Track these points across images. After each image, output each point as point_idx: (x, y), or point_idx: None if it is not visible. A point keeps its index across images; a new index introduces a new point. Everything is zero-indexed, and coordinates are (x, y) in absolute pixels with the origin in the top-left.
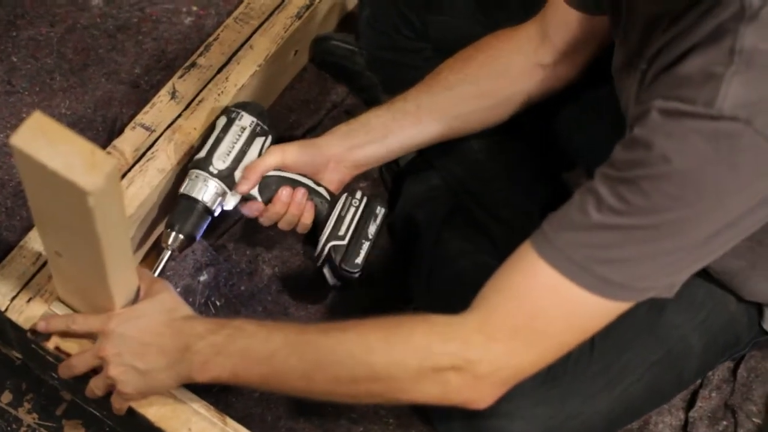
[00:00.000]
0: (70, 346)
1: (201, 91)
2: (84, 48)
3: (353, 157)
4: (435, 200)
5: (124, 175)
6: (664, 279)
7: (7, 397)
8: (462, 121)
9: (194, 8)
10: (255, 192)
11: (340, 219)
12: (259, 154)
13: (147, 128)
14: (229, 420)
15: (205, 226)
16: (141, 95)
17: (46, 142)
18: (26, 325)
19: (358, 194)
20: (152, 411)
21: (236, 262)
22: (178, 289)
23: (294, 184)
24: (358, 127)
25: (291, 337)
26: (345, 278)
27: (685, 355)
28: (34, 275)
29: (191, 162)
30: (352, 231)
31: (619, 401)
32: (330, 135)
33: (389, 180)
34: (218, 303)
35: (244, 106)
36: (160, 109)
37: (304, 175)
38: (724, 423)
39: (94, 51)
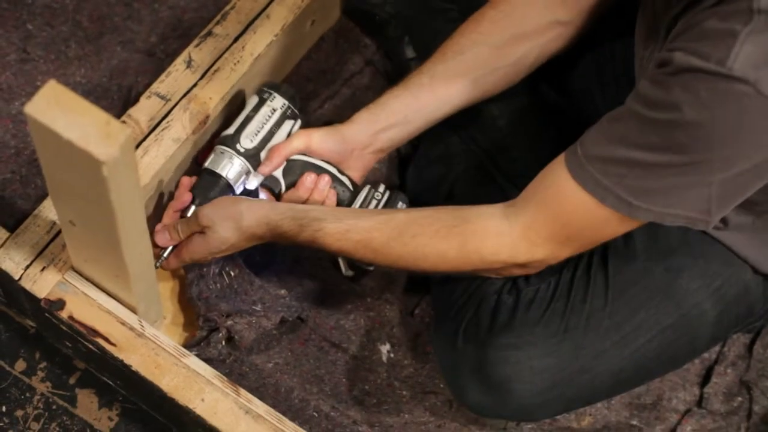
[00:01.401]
0: (84, 315)
1: (217, 60)
2: (100, 16)
3: (378, 142)
4: (451, 157)
5: (139, 145)
6: (688, 211)
7: (21, 365)
8: (478, 85)
9: None
10: (278, 174)
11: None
12: (287, 138)
13: (162, 97)
14: (242, 391)
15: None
16: (157, 64)
17: (61, 112)
18: (40, 294)
19: (381, 187)
20: (165, 381)
21: None
22: None
23: (318, 170)
24: (378, 111)
25: (365, 241)
26: (360, 270)
27: (699, 321)
28: (48, 244)
29: (218, 138)
30: None
31: (630, 360)
32: (353, 123)
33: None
34: (232, 273)
35: (276, 88)
36: (175, 78)
37: (329, 162)
38: (739, 399)
39: (109, 19)
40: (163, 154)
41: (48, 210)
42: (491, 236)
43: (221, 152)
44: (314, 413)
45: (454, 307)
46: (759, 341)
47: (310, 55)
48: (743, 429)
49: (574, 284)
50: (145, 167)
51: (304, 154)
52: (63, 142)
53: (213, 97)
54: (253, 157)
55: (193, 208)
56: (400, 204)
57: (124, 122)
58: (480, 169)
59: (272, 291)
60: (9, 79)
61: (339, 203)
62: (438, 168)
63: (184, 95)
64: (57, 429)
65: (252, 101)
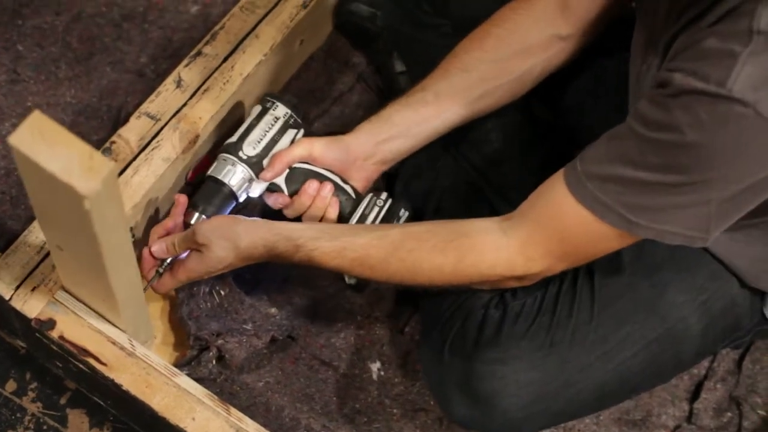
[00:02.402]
0: (74, 335)
1: (207, 80)
2: (89, 37)
3: (380, 153)
4: (437, 168)
5: (128, 164)
6: (687, 229)
7: (11, 386)
8: (482, 101)
9: None
10: (281, 181)
11: (363, 218)
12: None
13: (152, 117)
14: (232, 410)
15: (228, 210)
16: (146, 84)
17: (45, 143)
18: (31, 314)
19: (383, 195)
20: (156, 400)
21: None
22: None
23: (321, 178)
24: (381, 124)
25: (361, 259)
26: (364, 284)
27: (684, 334)
28: (38, 264)
29: (222, 146)
30: None
31: (615, 374)
32: (355, 132)
33: None
34: (222, 292)
35: (279, 98)
36: (165, 98)
37: (332, 171)
38: (729, 415)
39: (99, 40)
40: (153, 174)
41: (38, 231)
42: (488, 251)
43: (224, 159)
44: None
45: (440, 321)
46: (748, 356)
47: (299, 74)
48: None
49: (560, 298)
50: (135, 187)
51: (307, 163)
52: (46, 175)
53: (203, 116)
54: (255, 165)
55: (196, 215)
56: (402, 211)
57: (114, 142)
58: (468, 183)
59: (262, 310)
60: (0, 101)
61: (341, 211)
62: (425, 181)
63: (174, 115)
64: None
65: (255, 110)
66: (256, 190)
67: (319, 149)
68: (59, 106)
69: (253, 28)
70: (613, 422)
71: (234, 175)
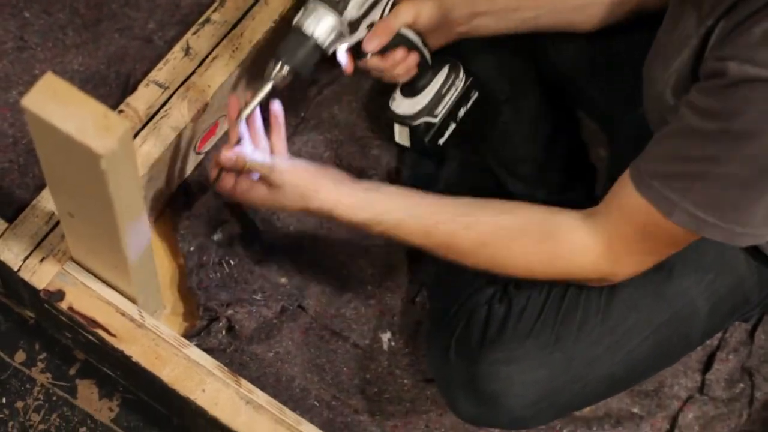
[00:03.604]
0: (83, 306)
1: (215, 47)
2: (97, 3)
3: (473, 25)
4: (444, 152)
5: (137, 133)
6: (756, 228)
7: (20, 356)
8: (576, 12)
9: None
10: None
11: (439, 96)
12: (382, 13)
13: (160, 85)
14: (243, 381)
15: (313, 63)
16: (155, 51)
17: (58, 104)
18: (40, 285)
19: (462, 74)
20: (166, 372)
21: (251, 220)
22: (192, 248)
23: (410, 46)
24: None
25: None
26: (423, 151)
27: (692, 317)
28: (47, 235)
29: None
30: (446, 111)
31: (623, 364)
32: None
33: None
34: (232, 262)
35: None
36: (173, 65)
37: (419, 36)
38: (741, 385)
39: (107, 6)
40: (161, 142)
41: (46, 200)
42: (577, 254)
43: (318, 7)
44: (315, 403)
45: (446, 317)
46: (761, 327)
47: None
48: (745, 415)
49: (569, 290)
50: (144, 156)
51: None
52: (60, 136)
53: (212, 84)
54: (353, 24)
55: (280, 64)
56: (473, 93)
57: (122, 111)
58: (473, 164)
59: (272, 279)
60: (6, 68)
61: (415, 80)
62: (431, 163)
63: (183, 83)
64: (57, 420)
65: None
66: (344, 46)
67: (424, 19)
68: (67, 74)
69: None
70: (626, 393)
71: (326, 27)
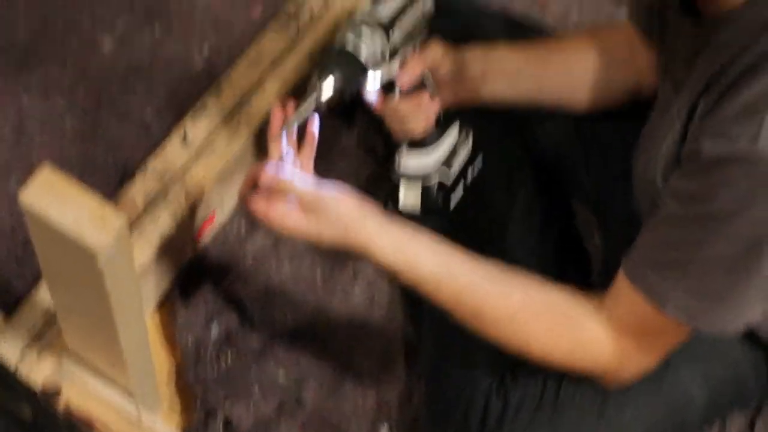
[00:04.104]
0: (80, 404)
1: (212, 134)
2: (95, 90)
3: (481, 85)
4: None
5: (134, 222)
6: (752, 310)
7: None
8: (578, 89)
9: (206, 49)
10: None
11: (454, 152)
12: (413, 48)
13: (158, 173)
14: None
15: (356, 87)
16: (152, 138)
17: (55, 198)
18: (37, 381)
19: (471, 133)
20: None
21: (248, 311)
22: (189, 341)
23: (433, 92)
24: (494, 59)
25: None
26: (436, 213)
27: (688, 406)
28: (43, 328)
29: (361, 17)
30: (459, 170)
31: None
32: (472, 53)
33: None
34: (230, 355)
35: None
36: (170, 153)
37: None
38: None
39: (105, 93)
40: (159, 232)
41: (44, 293)
42: (595, 344)
43: (369, 31)
44: None
45: (442, 409)
46: (760, 420)
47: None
48: None
49: (563, 383)
50: (141, 245)
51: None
52: (57, 231)
53: (209, 172)
54: (393, 53)
55: (329, 78)
56: (479, 157)
57: (119, 199)
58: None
59: (270, 373)
60: (4, 155)
61: (427, 131)
62: None
63: (180, 170)
64: None
65: None
66: (379, 76)
67: (448, 62)
68: (64, 161)
69: (259, 81)
70: None
71: (374, 48)
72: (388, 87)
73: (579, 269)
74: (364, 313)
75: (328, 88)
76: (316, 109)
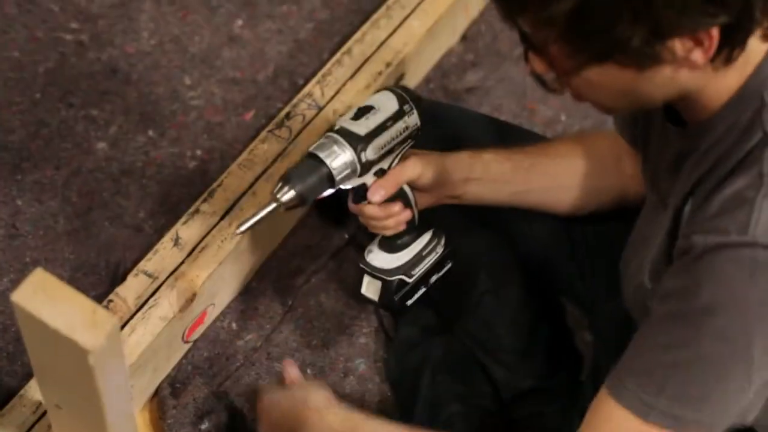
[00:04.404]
0: None
1: (204, 237)
2: (88, 191)
3: (465, 189)
4: (428, 342)
5: (126, 323)
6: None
7: None
8: (564, 193)
9: (198, 152)
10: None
11: (419, 258)
12: (391, 163)
13: (149, 275)
14: None
15: (320, 194)
16: (144, 240)
17: (47, 300)
18: None
19: (443, 241)
20: None
21: (238, 410)
22: None
23: (407, 203)
24: (479, 165)
25: None
26: (391, 309)
27: None
28: (34, 425)
29: (339, 127)
30: (421, 274)
31: None
32: (453, 161)
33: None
34: None
35: (417, 101)
36: (162, 256)
37: (412, 192)
38: None
39: (98, 194)
40: (149, 333)
41: (34, 389)
42: None
43: (335, 141)
44: None
45: None
46: None
47: (295, 230)
48: None
49: None
50: (132, 346)
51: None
52: (49, 331)
53: (200, 275)
54: (365, 166)
55: (288, 186)
56: (447, 263)
57: (111, 300)
58: (460, 354)
59: None
60: None
61: (402, 234)
62: (417, 355)
63: (172, 273)
64: None
65: (391, 106)
66: (349, 185)
67: (427, 178)
68: (57, 262)
69: (251, 186)
70: None
71: (342, 162)
72: (360, 193)
73: (570, 368)
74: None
75: (286, 193)
76: (275, 211)
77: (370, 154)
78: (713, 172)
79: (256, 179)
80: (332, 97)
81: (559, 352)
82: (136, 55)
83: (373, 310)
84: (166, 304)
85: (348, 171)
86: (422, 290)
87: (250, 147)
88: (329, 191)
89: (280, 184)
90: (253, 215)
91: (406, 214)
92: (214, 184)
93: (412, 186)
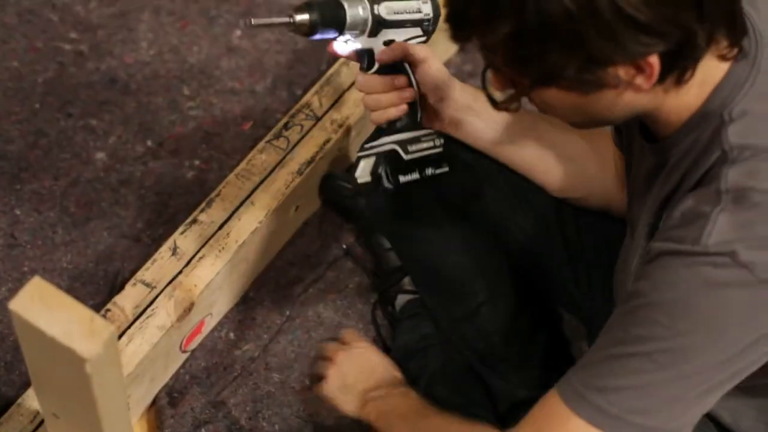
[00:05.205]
0: None
1: (202, 247)
2: (87, 201)
3: (464, 116)
4: (426, 351)
5: (123, 333)
6: (668, 420)
7: None
8: (556, 164)
9: (196, 162)
10: (379, 54)
11: (417, 140)
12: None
13: (147, 285)
14: None
15: (326, 34)
16: (143, 250)
17: (45, 308)
18: None
19: (442, 141)
20: None
21: (236, 419)
22: None
23: (411, 84)
24: (482, 101)
25: None
26: (378, 184)
27: None
28: None
29: None
30: (417, 157)
31: None
32: (462, 86)
33: (384, 322)
34: None
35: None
36: (160, 265)
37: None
38: None
39: (96, 204)
40: (147, 342)
41: (32, 399)
42: None
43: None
44: None
45: None
46: None
47: (294, 240)
48: None
49: None
50: (130, 355)
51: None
52: (46, 339)
53: (198, 284)
54: (375, 26)
55: (303, 13)
56: (444, 165)
57: (109, 310)
58: (457, 364)
59: None
60: None
61: (401, 121)
62: (414, 365)
63: (169, 282)
64: None
65: None
66: (356, 44)
67: (433, 67)
68: (55, 271)
69: (249, 195)
70: None
71: (357, 11)
72: (368, 59)
73: None
74: (353, 421)
75: (300, 18)
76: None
77: (382, 10)
78: (680, 189)
79: (254, 189)
80: (330, 108)
81: (556, 361)
82: (135, 65)
83: (371, 320)
84: (164, 313)
85: (360, 21)
86: (416, 176)
87: (248, 157)
88: (334, 35)
89: (300, 8)
90: (268, 18)
91: (410, 93)
92: (213, 194)
93: (419, 80)
